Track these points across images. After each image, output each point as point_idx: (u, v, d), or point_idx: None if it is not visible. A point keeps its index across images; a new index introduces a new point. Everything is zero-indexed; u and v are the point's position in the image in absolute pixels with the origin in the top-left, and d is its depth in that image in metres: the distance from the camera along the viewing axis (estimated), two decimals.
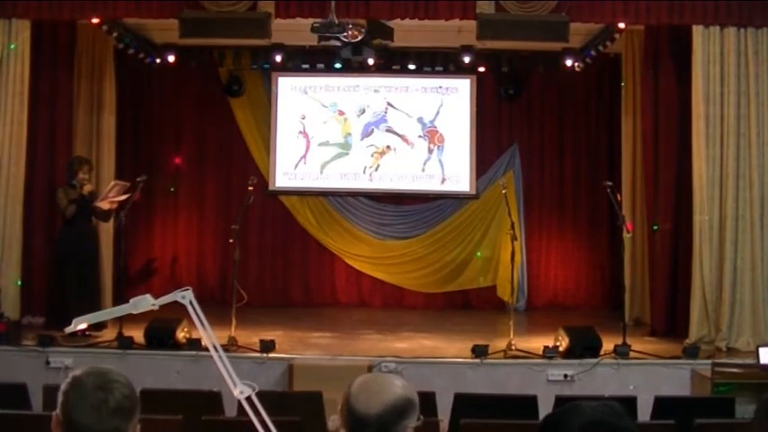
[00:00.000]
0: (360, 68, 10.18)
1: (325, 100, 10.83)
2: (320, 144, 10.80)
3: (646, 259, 9.26)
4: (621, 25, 8.31)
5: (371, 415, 2.22)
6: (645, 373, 7.22)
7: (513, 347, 7.48)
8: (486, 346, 7.34)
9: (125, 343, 7.38)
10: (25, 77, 8.19)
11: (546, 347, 7.41)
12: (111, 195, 8.21)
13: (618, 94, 9.99)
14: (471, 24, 8.03)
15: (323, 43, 7.99)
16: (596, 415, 2.03)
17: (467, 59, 9.87)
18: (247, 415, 2.47)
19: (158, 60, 10.03)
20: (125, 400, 2.07)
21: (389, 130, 10.79)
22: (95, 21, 8.41)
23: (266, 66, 10.46)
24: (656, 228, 8.65)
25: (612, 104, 10.43)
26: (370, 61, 9.45)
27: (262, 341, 7.40)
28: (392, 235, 10.93)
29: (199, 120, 10.97)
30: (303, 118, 10.81)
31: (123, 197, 8.20)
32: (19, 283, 8.15)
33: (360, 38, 7.50)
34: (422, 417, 2.35)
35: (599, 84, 10.79)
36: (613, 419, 2.02)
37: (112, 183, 8.44)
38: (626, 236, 8.25)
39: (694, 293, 7.96)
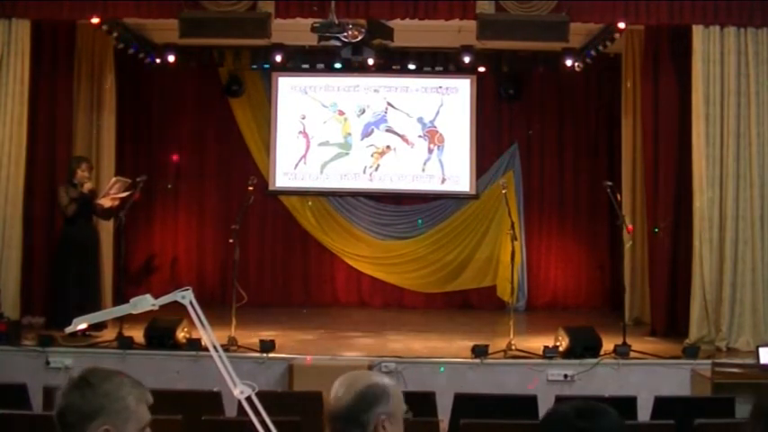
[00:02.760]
0: (360, 68, 10.18)
1: (325, 100, 10.83)
2: (320, 144, 10.80)
3: (646, 259, 9.26)
4: (622, 25, 8.30)
5: (341, 406, 2.23)
6: (645, 373, 7.22)
7: (513, 347, 7.47)
8: (486, 346, 7.34)
9: (125, 343, 7.38)
10: (25, 77, 8.19)
11: (546, 347, 7.40)
12: (112, 192, 8.21)
13: (618, 94, 9.99)
14: (471, 24, 8.03)
15: (323, 43, 7.99)
16: (564, 409, 2.09)
17: (467, 59, 9.86)
18: (247, 415, 2.46)
19: (158, 60, 10.03)
20: (71, 406, 2.13)
21: (389, 130, 10.79)
22: (95, 21, 8.39)
23: (266, 66, 10.47)
24: (656, 231, 8.65)
25: (612, 104, 10.43)
26: (370, 61, 9.45)
27: (262, 341, 7.39)
28: (392, 235, 10.93)
29: (199, 120, 10.98)
30: (303, 118, 10.81)
31: (124, 194, 8.20)
32: None
33: (360, 38, 7.49)
34: (410, 413, 2.33)
35: (599, 84, 10.79)
36: (575, 419, 2.06)
37: (113, 179, 8.43)
38: (626, 237, 8.23)
39: (694, 293, 7.96)
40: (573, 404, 2.17)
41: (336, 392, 2.27)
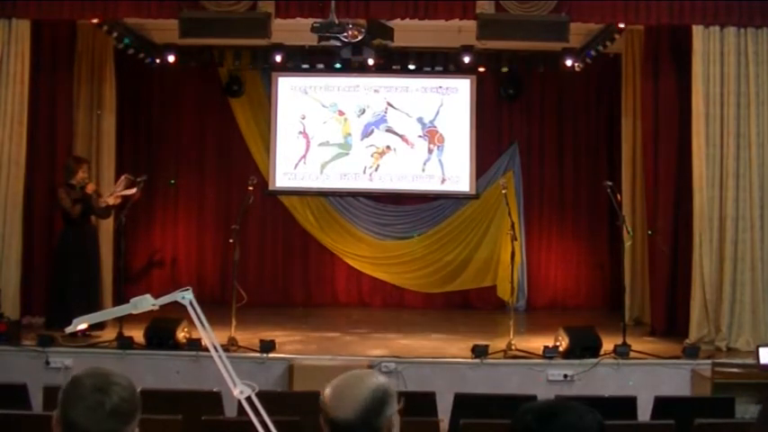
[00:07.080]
0: (360, 68, 10.17)
1: (325, 100, 10.83)
2: (320, 144, 10.79)
3: (646, 259, 9.26)
4: (621, 25, 8.30)
5: (351, 419, 2.14)
6: (645, 373, 7.23)
7: (513, 347, 7.48)
8: (486, 346, 7.34)
9: (125, 343, 7.39)
10: (25, 77, 8.18)
11: (546, 347, 7.41)
12: (118, 190, 8.24)
13: (618, 94, 9.99)
14: (471, 24, 8.03)
15: (323, 43, 7.98)
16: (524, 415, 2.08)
17: (467, 59, 9.87)
18: (247, 415, 2.47)
19: (158, 60, 10.04)
20: (123, 404, 2.07)
21: (389, 131, 10.79)
22: (95, 21, 8.39)
23: (266, 66, 10.48)
24: (650, 233, 8.65)
25: (612, 104, 10.43)
26: (370, 61, 9.44)
27: (262, 341, 7.40)
28: (392, 235, 10.93)
29: (199, 120, 10.97)
30: (303, 118, 10.81)
31: (128, 191, 8.21)
32: None
33: (360, 38, 7.49)
34: (402, 399, 2.25)
35: (599, 84, 10.79)
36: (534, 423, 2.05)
37: (122, 177, 8.45)
38: (626, 237, 8.21)
39: (694, 293, 7.96)
40: (533, 406, 2.11)
41: (336, 402, 2.17)
